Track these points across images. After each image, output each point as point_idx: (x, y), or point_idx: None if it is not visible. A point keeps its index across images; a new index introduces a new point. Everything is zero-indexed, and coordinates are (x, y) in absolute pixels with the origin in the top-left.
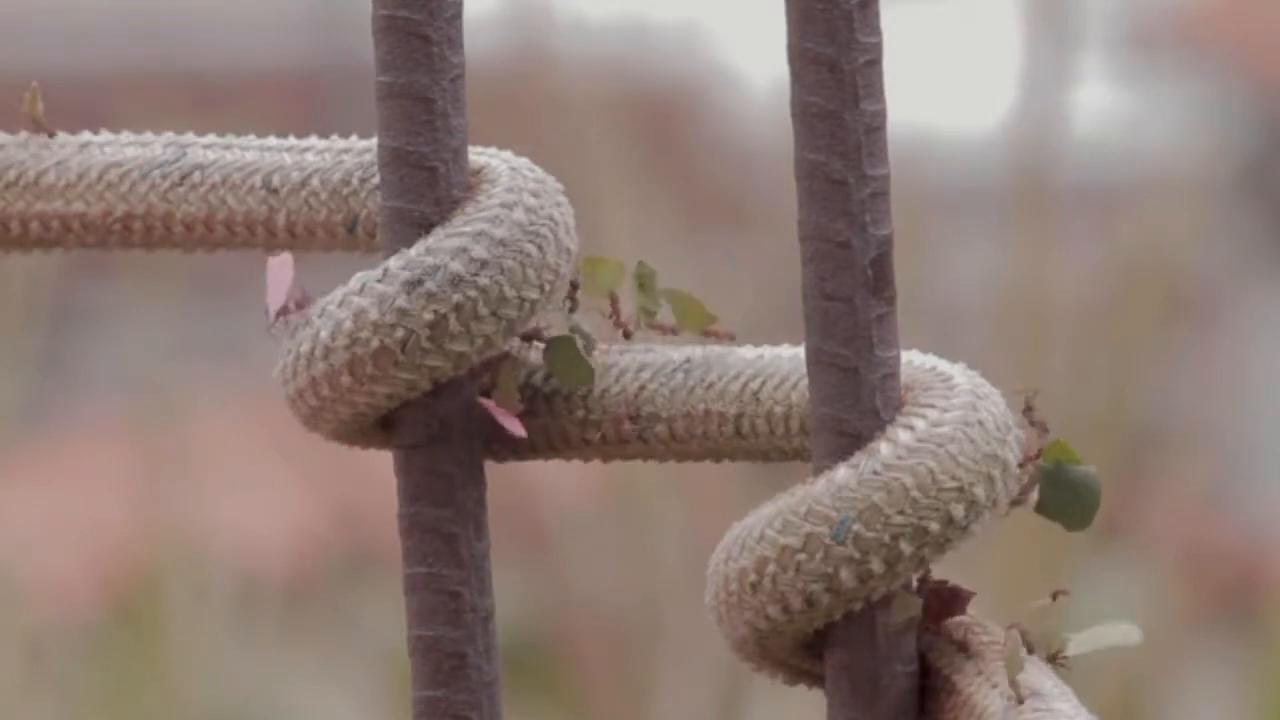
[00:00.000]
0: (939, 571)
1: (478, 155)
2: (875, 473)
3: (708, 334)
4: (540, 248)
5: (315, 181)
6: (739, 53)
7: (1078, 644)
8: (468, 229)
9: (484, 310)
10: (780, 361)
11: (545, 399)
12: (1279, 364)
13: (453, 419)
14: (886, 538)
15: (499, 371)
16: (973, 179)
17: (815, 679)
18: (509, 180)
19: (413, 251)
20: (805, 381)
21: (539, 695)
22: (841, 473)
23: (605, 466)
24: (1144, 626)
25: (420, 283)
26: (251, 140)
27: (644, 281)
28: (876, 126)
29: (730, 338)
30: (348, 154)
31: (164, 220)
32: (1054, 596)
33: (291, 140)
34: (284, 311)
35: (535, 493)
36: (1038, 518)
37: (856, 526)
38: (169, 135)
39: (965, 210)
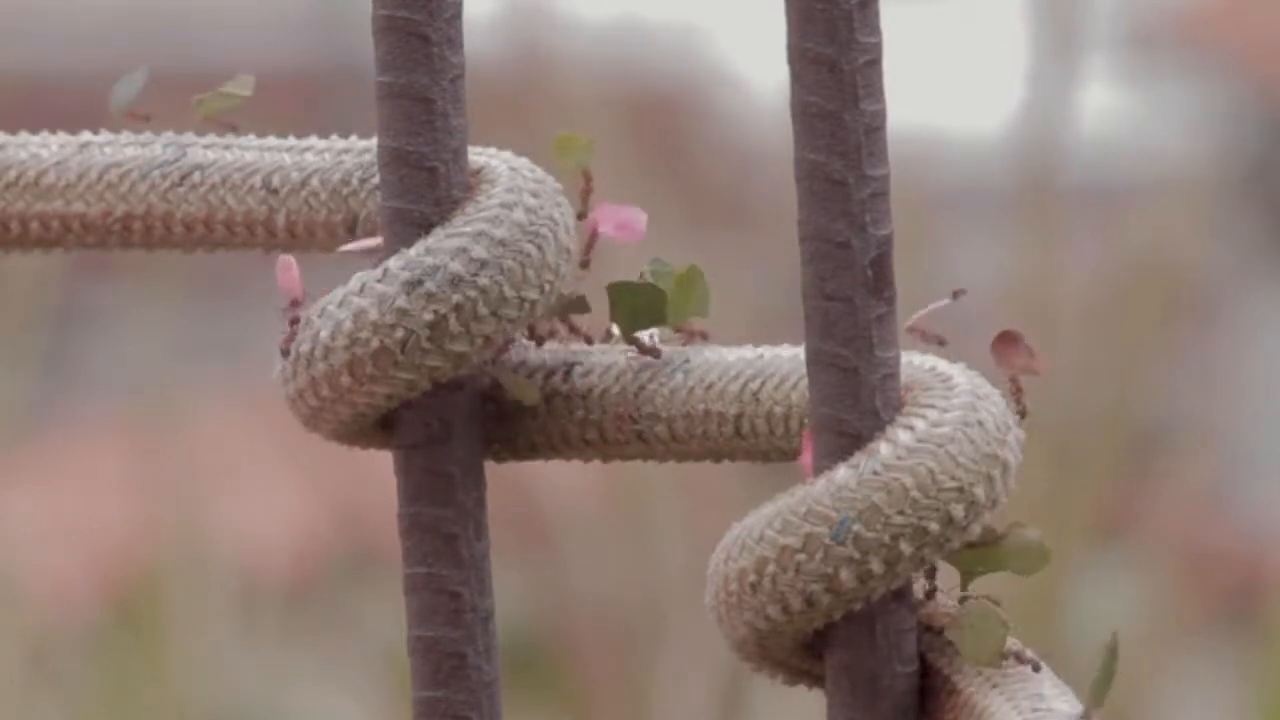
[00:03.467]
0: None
1: (477, 155)
2: (875, 473)
3: (679, 330)
4: (540, 248)
5: (315, 181)
6: (739, 53)
7: None
8: (468, 229)
9: (484, 310)
10: (780, 361)
11: (545, 399)
12: None
13: (453, 419)
14: (886, 538)
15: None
16: (977, 179)
17: (815, 679)
18: (509, 180)
19: (413, 251)
20: (805, 381)
21: (539, 695)
22: (841, 473)
23: (605, 466)
24: (1144, 626)
25: (420, 283)
26: (251, 140)
27: (688, 284)
28: (876, 126)
29: (704, 336)
30: (348, 154)
31: (164, 220)
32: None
33: (291, 140)
34: None
35: (535, 493)
36: (1037, 518)
37: (856, 527)
38: (169, 135)
39: (969, 210)
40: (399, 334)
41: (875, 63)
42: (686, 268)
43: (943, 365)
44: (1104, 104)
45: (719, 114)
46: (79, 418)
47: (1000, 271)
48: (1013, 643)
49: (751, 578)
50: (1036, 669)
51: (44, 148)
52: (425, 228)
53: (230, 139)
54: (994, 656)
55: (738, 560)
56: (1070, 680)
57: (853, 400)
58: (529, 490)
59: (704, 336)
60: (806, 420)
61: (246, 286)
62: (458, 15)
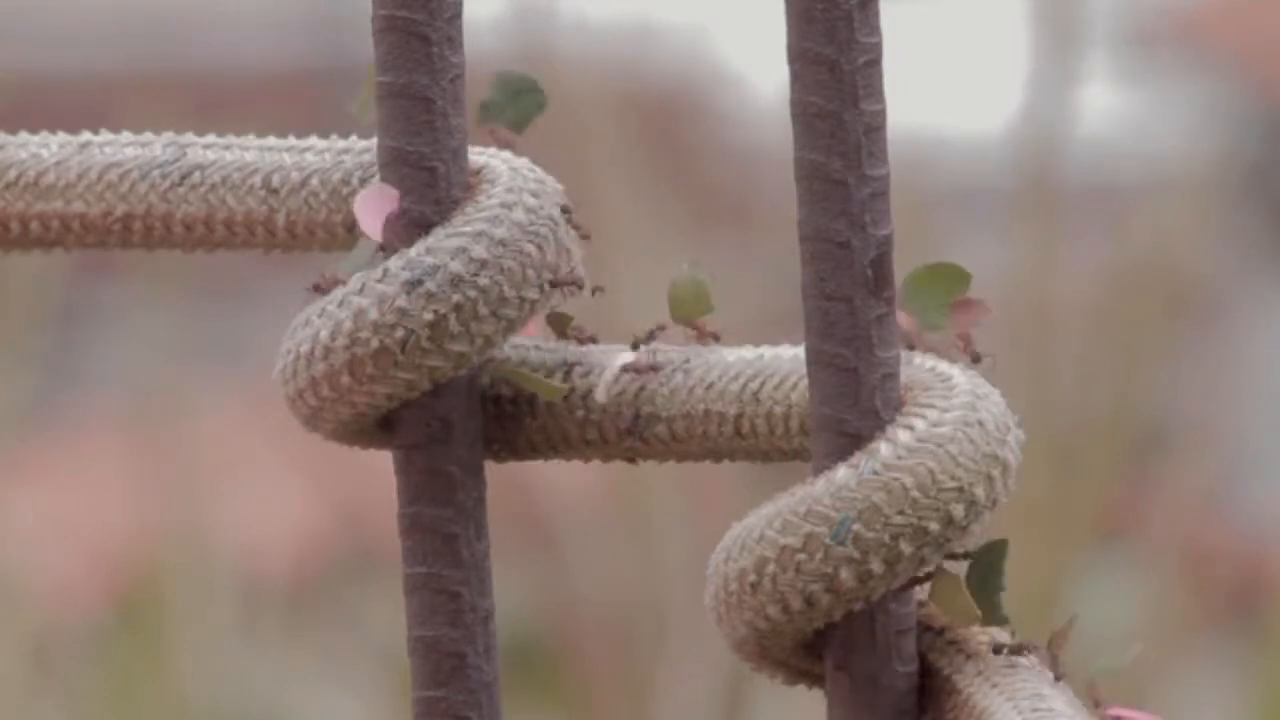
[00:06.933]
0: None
1: (477, 155)
2: (875, 473)
3: (694, 328)
4: (540, 248)
5: (315, 181)
6: (743, 54)
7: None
8: (467, 229)
9: (484, 310)
10: (780, 361)
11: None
12: None
13: (453, 419)
14: (886, 538)
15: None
16: (978, 179)
17: (815, 679)
18: (509, 180)
19: (412, 251)
20: (805, 381)
21: (539, 695)
22: (841, 473)
23: (606, 466)
24: (1145, 626)
25: (420, 283)
26: (251, 140)
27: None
28: (876, 126)
29: (715, 337)
30: (348, 154)
31: (164, 220)
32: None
33: (291, 140)
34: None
35: (536, 493)
36: (1038, 518)
37: (856, 527)
38: (169, 135)
39: (970, 210)
40: (399, 334)
41: (875, 63)
42: (688, 274)
43: (943, 365)
44: (1104, 104)
45: (720, 114)
46: (79, 418)
47: (1000, 271)
48: (1001, 633)
49: (751, 578)
50: (1017, 652)
51: (44, 148)
52: (425, 228)
53: (230, 139)
54: (971, 618)
55: (738, 560)
56: (1070, 680)
57: (853, 400)
58: (529, 490)
59: (716, 338)
60: (807, 420)
61: (246, 286)
62: (458, 15)
